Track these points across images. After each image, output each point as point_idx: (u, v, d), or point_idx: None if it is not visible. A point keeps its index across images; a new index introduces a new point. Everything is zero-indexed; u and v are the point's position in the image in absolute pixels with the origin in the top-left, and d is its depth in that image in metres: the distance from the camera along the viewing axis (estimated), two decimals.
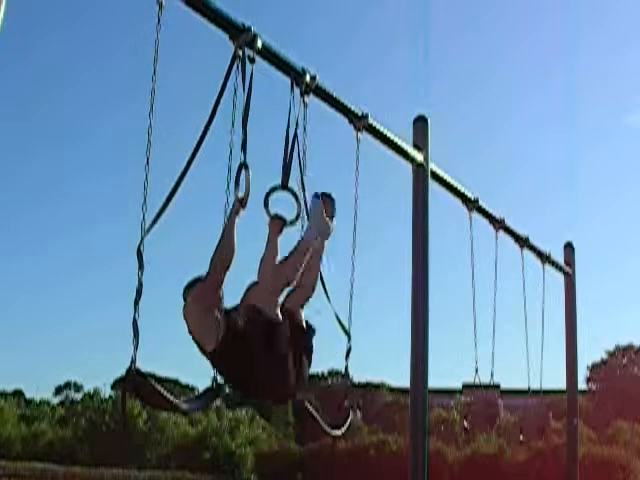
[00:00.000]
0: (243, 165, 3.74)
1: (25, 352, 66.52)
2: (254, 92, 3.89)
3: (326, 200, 3.99)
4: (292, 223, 4.10)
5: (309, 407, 4.10)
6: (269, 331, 3.70)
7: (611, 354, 41.07)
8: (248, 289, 3.94)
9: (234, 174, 3.75)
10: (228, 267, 3.66)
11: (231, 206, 3.72)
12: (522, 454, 23.55)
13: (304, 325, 4.01)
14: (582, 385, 37.93)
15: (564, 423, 8.85)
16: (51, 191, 64.74)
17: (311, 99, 4.37)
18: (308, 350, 3.96)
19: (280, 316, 3.78)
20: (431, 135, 5.58)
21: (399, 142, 5.25)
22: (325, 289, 4.24)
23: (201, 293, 3.67)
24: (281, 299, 3.89)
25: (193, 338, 3.72)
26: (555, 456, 20.07)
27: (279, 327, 3.75)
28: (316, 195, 4.00)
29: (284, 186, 4.11)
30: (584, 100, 64.17)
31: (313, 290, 4.10)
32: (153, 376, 3.24)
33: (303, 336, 3.96)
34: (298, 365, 3.84)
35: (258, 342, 3.67)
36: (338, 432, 4.36)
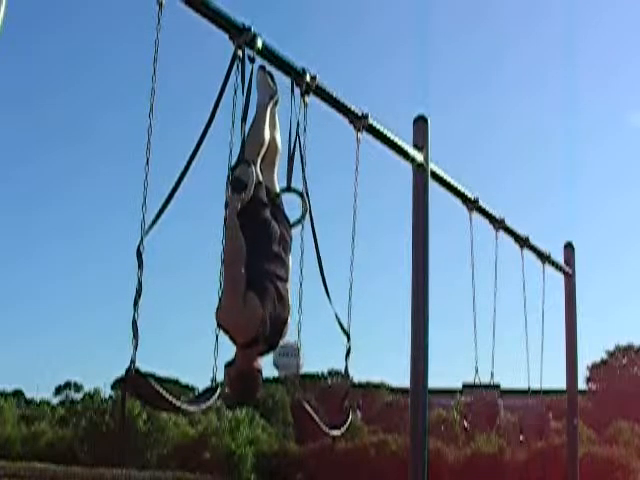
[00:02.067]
0: (242, 161, 3.73)
1: (25, 352, 66.57)
2: (254, 92, 3.90)
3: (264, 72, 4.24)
4: (298, 222, 4.14)
5: (307, 407, 4.10)
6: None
7: (611, 354, 41.05)
8: None
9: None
10: (243, 262, 3.62)
11: (232, 204, 3.68)
12: (522, 454, 23.54)
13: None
14: (582, 385, 37.95)
15: (564, 423, 8.84)
16: (51, 190, 64.81)
17: (311, 99, 4.38)
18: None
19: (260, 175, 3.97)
20: (431, 135, 5.59)
21: (399, 142, 5.25)
22: (326, 288, 4.23)
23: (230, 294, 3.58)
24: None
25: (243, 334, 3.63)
26: (555, 456, 20.08)
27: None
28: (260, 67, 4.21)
29: (289, 187, 4.18)
30: (585, 100, 64.22)
31: (277, 149, 4.24)
32: (153, 376, 3.23)
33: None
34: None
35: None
36: (337, 432, 4.35)
